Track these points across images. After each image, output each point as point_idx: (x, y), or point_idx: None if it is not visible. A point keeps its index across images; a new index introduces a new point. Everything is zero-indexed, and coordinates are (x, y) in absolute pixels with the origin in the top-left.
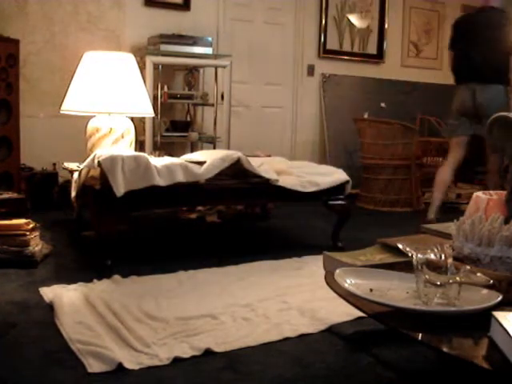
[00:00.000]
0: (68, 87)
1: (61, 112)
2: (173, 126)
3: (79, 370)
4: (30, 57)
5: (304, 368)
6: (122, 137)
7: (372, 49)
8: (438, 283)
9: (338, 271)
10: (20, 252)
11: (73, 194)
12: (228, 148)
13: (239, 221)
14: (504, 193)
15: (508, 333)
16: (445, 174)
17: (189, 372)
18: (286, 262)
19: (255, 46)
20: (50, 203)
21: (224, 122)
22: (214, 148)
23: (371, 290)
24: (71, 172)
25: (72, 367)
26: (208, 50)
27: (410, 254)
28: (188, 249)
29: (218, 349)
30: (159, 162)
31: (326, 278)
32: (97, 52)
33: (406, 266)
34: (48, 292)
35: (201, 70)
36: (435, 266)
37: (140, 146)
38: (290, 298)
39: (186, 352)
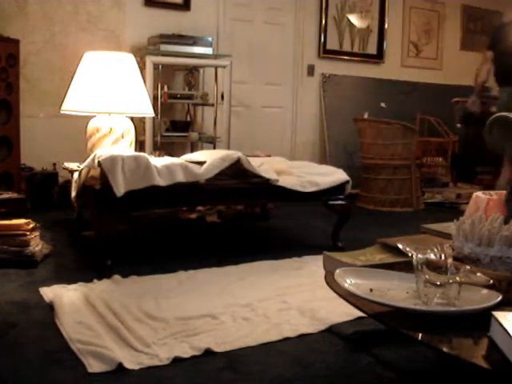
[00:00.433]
0: (68, 87)
1: (61, 112)
2: (173, 125)
3: (79, 369)
4: (30, 57)
5: (304, 368)
6: (122, 137)
7: (372, 49)
8: (438, 283)
9: (337, 271)
10: (20, 252)
11: (73, 194)
12: (228, 148)
13: (239, 221)
14: (504, 193)
15: (508, 333)
16: None
17: (189, 372)
18: (286, 261)
19: (255, 46)
20: (50, 203)
21: (224, 122)
22: (214, 148)
23: (371, 289)
24: (71, 172)
25: (72, 367)
26: (208, 50)
27: (409, 254)
28: (188, 249)
29: (217, 349)
30: (159, 162)
31: (325, 277)
32: (97, 52)
33: (405, 265)
34: (48, 292)
35: (201, 70)
36: (435, 266)
37: (140, 146)
38: (289, 298)
39: (186, 352)
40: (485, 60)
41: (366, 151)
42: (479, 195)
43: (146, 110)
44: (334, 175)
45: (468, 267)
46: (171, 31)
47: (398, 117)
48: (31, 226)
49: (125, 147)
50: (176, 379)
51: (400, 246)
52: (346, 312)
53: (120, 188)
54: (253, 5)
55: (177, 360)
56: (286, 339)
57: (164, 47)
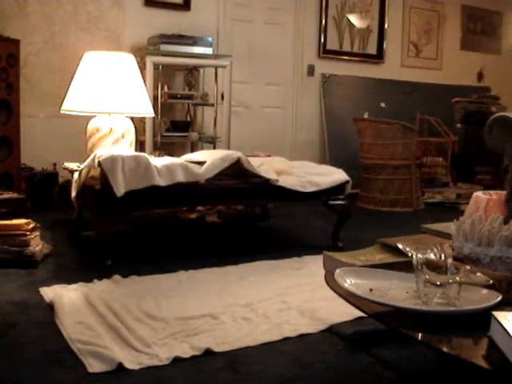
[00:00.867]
0: (68, 87)
1: (61, 112)
2: (173, 126)
3: (79, 369)
4: (30, 57)
5: (304, 368)
6: (123, 137)
7: (372, 49)
8: (438, 283)
9: (337, 271)
10: (20, 252)
11: (73, 194)
12: (228, 148)
13: (239, 221)
14: (504, 193)
15: (508, 333)
16: None
17: (189, 372)
18: (286, 261)
19: (255, 46)
20: (50, 203)
21: (224, 122)
22: (214, 148)
23: (371, 289)
24: (71, 172)
25: (72, 367)
26: (208, 50)
27: (409, 254)
28: (188, 249)
29: (217, 349)
30: (159, 162)
31: (325, 277)
32: (97, 52)
33: (405, 265)
34: (48, 292)
35: (201, 70)
36: (435, 266)
37: (140, 146)
38: (289, 298)
39: (185, 352)
40: None
41: (365, 151)
42: (479, 195)
43: (146, 110)
44: (334, 175)
45: (468, 267)
46: (171, 31)
47: (397, 117)
48: (31, 226)
49: (125, 147)
50: (176, 379)
51: (400, 246)
52: (346, 312)
53: (120, 188)
54: (253, 5)
55: (177, 360)
56: (286, 339)
57: (164, 47)
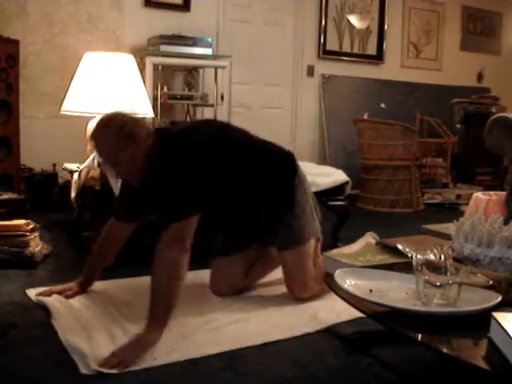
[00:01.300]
0: (68, 88)
1: (61, 112)
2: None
3: (79, 370)
4: (29, 57)
5: (303, 368)
6: None
7: (372, 49)
8: (438, 284)
9: (337, 272)
10: (20, 253)
11: (73, 194)
12: None
13: None
14: (503, 193)
15: (508, 333)
16: None
17: (188, 372)
18: None
19: (255, 47)
20: (49, 204)
21: None
22: None
23: (371, 290)
24: (71, 173)
25: (72, 367)
26: (208, 51)
27: (409, 255)
28: None
29: (217, 349)
30: None
31: (325, 278)
32: (97, 53)
33: (405, 266)
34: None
35: (200, 71)
36: (435, 267)
37: None
38: (289, 298)
39: (185, 353)
40: None
41: (365, 152)
42: (479, 196)
43: (146, 111)
44: (334, 176)
45: (468, 268)
46: (171, 32)
47: (397, 117)
48: (31, 226)
49: None
50: (175, 379)
51: (400, 247)
52: (345, 312)
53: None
54: (253, 5)
55: (176, 361)
56: (286, 339)
57: (164, 48)
